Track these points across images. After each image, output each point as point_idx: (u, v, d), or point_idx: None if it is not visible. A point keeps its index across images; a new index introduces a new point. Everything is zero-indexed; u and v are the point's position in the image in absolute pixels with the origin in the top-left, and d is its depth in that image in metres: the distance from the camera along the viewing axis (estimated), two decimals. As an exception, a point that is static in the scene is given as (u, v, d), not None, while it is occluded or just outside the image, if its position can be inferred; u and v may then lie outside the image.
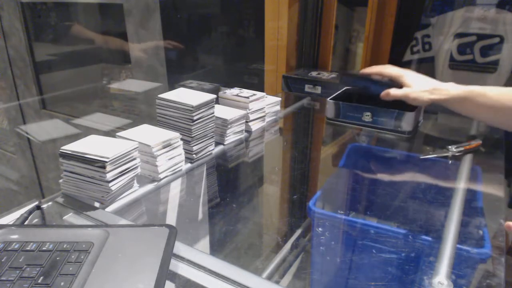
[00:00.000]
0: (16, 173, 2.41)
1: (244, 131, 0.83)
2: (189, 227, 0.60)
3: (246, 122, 0.83)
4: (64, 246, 0.39)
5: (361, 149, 0.83)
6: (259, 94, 0.85)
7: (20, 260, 0.38)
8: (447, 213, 0.54)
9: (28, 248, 0.39)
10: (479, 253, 0.47)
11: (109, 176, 0.53)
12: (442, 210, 0.59)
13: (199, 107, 0.67)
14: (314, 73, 1.16)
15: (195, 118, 0.66)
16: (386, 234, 0.53)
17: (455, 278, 0.42)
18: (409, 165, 0.78)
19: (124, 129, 0.64)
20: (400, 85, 0.78)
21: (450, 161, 0.72)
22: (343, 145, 0.85)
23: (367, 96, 0.86)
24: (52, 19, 1.99)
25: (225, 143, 0.78)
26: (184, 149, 0.67)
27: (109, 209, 0.54)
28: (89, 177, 0.54)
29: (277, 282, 0.42)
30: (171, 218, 0.61)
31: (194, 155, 0.69)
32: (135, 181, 0.59)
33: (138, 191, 0.59)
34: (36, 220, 0.52)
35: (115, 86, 1.88)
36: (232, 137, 0.79)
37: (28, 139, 2.22)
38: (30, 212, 0.51)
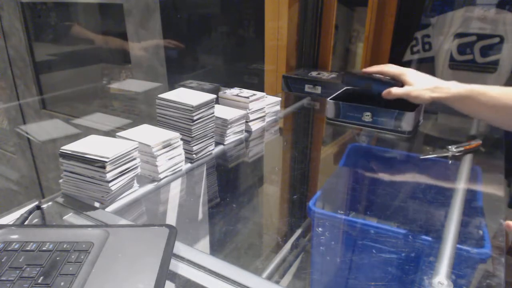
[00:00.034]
0: (16, 173, 2.41)
1: (244, 131, 0.83)
2: (189, 227, 0.60)
3: (246, 122, 0.83)
4: (64, 246, 0.39)
5: (361, 149, 0.83)
6: (259, 94, 0.85)
7: (20, 260, 0.38)
8: (447, 213, 0.54)
9: (28, 248, 0.39)
10: (479, 253, 0.47)
11: (109, 176, 0.53)
12: (442, 210, 0.59)
13: (199, 107, 0.67)
14: (314, 73, 1.16)
15: (195, 118, 0.66)
16: (386, 234, 0.53)
17: (455, 278, 0.42)
18: (409, 165, 0.78)
19: (124, 129, 0.64)
20: (401, 84, 0.78)
21: (450, 161, 0.72)
22: (343, 145, 0.85)
23: (367, 96, 0.86)
24: (52, 19, 1.99)
25: (225, 143, 0.78)
26: (184, 149, 0.67)
27: (109, 209, 0.54)
28: (89, 177, 0.54)
29: (277, 282, 0.42)
30: (171, 218, 0.61)
31: (194, 155, 0.69)
32: (135, 181, 0.59)
33: (138, 191, 0.59)
34: (36, 220, 0.52)
35: (115, 86, 1.88)
36: (232, 137, 0.79)
37: (28, 139, 2.22)
38: (30, 212, 0.51)
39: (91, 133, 0.60)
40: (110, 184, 0.53)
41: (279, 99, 0.93)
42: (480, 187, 0.65)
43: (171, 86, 1.61)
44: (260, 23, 1.24)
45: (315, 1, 1.21)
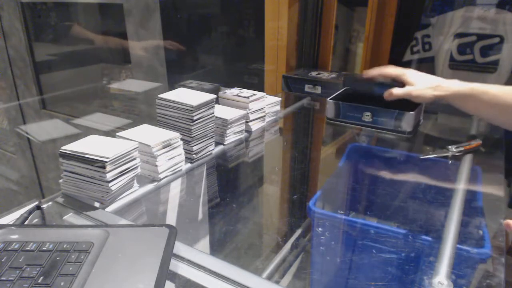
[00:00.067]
0: (16, 173, 2.41)
1: (244, 131, 0.83)
2: (189, 227, 0.60)
3: (246, 122, 0.83)
4: (64, 246, 0.39)
5: (361, 149, 0.83)
6: (259, 94, 0.85)
7: (20, 260, 0.38)
8: (447, 213, 0.54)
9: (28, 248, 0.39)
10: (479, 253, 0.47)
11: (109, 176, 0.53)
12: (442, 210, 0.59)
13: (199, 107, 0.67)
14: (314, 73, 1.16)
15: (195, 118, 0.66)
16: (386, 234, 0.53)
17: (455, 278, 0.42)
18: (409, 165, 0.78)
19: (124, 129, 0.64)
20: (402, 85, 0.79)
21: (450, 161, 0.72)
22: (343, 145, 0.85)
23: (367, 96, 0.86)
24: (52, 19, 1.99)
25: (225, 143, 0.78)
26: (184, 149, 0.67)
27: (109, 209, 0.54)
28: (89, 177, 0.54)
29: (277, 282, 0.42)
30: (171, 218, 0.61)
31: (194, 155, 0.69)
32: (135, 181, 0.59)
33: (138, 191, 0.59)
34: (36, 220, 0.52)
35: (115, 86, 1.88)
36: (232, 137, 0.79)
37: (28, 139, 2.22)
38: (30, 212, 0.51)
39: (91, 133, 0.60)
40: (110, 184, 0.53)
41: (279, 99, 0.93)
42: (480, 187, 0.65)
43: (171, 86, 1.61)
44: (260, 23, 1.24)
45: (315, 1, 1.21)
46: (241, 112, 0.80)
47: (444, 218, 0.53)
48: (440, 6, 1.20)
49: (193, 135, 0.68)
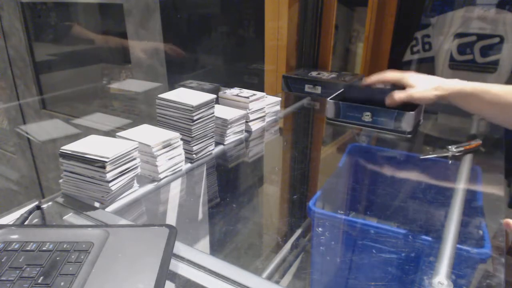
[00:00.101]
0: (16, 173, 2.41)
1: (244, 131, 0.83)
2: (189, 227, 0.60)
3: (246, 122, 0.83)
4: (64, 246, 0.39)
5: (361, 149, 0.83)
6: (259, 94, 0.85)
7: (20, 260, 0.38)
8: (447, 213, 0.54)
9: (28, 248, 0.39)
10: (479, 253, 0.47)
11: (109, 176, 0.53)
12: (442, 210, 0.59)
13: (199, 107, 0.67)
14: (314, 73, 1.16)
15: (195, 118, 0.66)
16: (386, 234, 0.53)
17: (455, 278, 0.42)
18: (409, 165, 0.78)
19: (124, 129, 0.64)
20: (403, 88, 0.79)
21: (450, 161, 0.72)
22: (343, 145, 0.85)
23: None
24: (52, 19, 1.99)
25: (225, 143, 0.78)
26: (184, 149, 0.67)
27: (109, 209, 0.54)
28: (89, 177, 0.54)
29: (277, 282, 0.42)
30: (171, 218, 0.61)
31: (194, 155, 0.69)
32: (135, 181, 0.59)
33: (138, 191, 0.59)
34: (36, 220, 0.52)
35: (115, 86, 1.88)
36: (232, 137, 0.79)
37: (28, 139, 2.22)
38: (30, 212, 0.51)
39: (91, 133, 0.60)
40: (110, 184, 0.53)
41: (279, 99, 0.93)
42: (480, 187, 0.65)
43: (171, 86, 1.61)
44: (260, 23, 1.24)
45: (315, 1, 1.21)
46: (241, 112, 0.80)
47: (444, 218, 0.53)
48: (440, 6, 1.20)
49: (193, 135, 0.68)
